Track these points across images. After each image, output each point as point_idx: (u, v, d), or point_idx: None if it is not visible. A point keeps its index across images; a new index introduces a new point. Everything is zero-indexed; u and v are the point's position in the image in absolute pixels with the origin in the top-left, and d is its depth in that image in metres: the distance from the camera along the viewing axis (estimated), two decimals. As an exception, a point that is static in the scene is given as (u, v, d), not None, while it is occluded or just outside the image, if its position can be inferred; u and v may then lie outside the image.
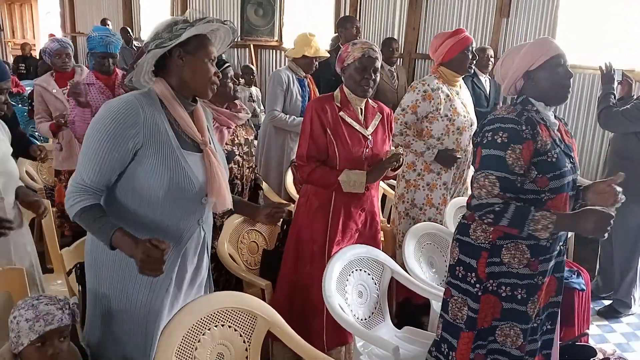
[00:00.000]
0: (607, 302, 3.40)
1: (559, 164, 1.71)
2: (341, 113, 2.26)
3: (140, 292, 1.63)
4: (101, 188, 1.54)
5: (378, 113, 2.38)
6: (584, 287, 2.64)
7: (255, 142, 2.97)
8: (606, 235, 1.58)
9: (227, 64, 2.65)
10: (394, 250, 3.04)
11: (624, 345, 2.96)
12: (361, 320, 2.20)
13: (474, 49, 2.86)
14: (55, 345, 1.48)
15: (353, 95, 2.29)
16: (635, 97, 3.30)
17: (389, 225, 3.15)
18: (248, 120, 2.86)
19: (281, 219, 1.75)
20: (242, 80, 5.49)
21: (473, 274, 1.81)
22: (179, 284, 1.69)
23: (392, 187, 3.69)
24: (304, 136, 2.28)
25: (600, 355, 2.47)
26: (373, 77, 2.24)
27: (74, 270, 1.90)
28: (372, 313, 2.27)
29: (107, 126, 1.49)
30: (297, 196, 3.60)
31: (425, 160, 2.90)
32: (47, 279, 2.54)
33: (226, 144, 2.62)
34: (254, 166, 2.85)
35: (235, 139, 2.71)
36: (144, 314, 1.64)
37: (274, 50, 6.85)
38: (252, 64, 6.42)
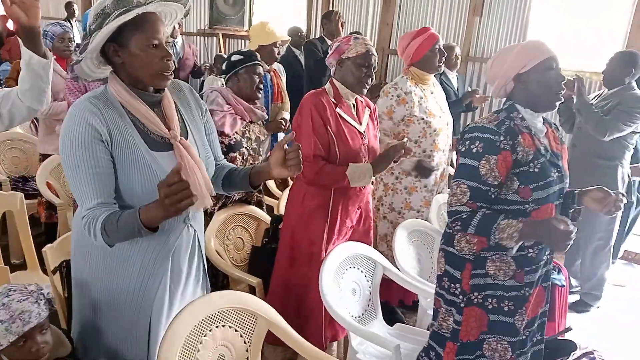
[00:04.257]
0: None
1: (542, 174, 1.65)
2: (338, 109, 2.21)
3: (132, 279, 1.52)
4: (108, 201, 1.40)
5: (367, 108, 2.36)
6: (564, 283, 2.71)
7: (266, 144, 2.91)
8: (566, 249, 1.51)
9: (257, 62, 2.61)
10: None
11: (597, 337, 3.06)
12: (355, 317, 2.18)
13: (441, 46, 2.82)
14: (37, 341, 1.39)
15: (346, 90, 2.24)
16: (599, 95, 3.41)
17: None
18: (263, 122, 2.80)
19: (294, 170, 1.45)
20: (214, 70, 5.35)
21: (457, 285, 1.76)
22: (175, 283, 1.61)
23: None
24: (305, 134, 2.14)
25: (579, 351, 2.55)
26: (372, 74, 2.24)
27: (59, 268, 1.79)
28: (365, 310, 2.25)
29: (77, 143, 1.35)
30: (276, 190, 3.54)
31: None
32: (19, 277, 2.40)
33: (236, 132, 2.55)
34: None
35: (247, 132, 2.64)
36: (135, 304, 1.54)
37: (244, 40, 6.70)
38: (222, 53, 6.27)
